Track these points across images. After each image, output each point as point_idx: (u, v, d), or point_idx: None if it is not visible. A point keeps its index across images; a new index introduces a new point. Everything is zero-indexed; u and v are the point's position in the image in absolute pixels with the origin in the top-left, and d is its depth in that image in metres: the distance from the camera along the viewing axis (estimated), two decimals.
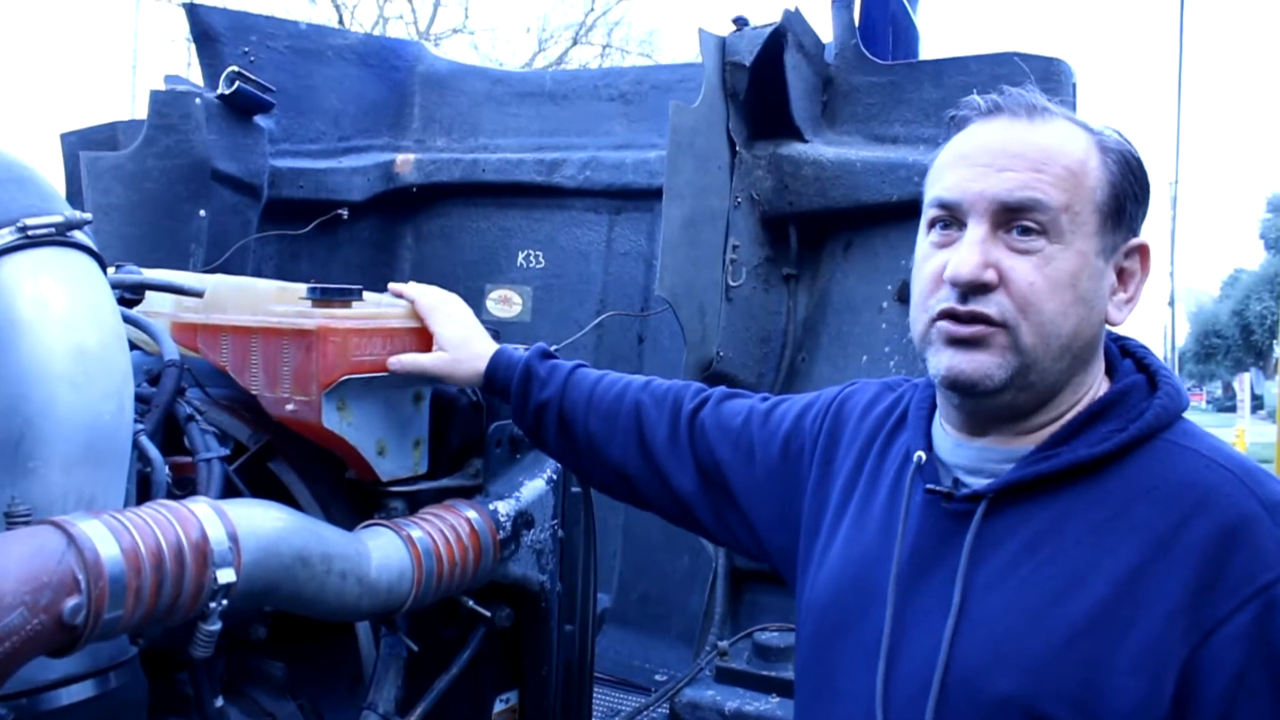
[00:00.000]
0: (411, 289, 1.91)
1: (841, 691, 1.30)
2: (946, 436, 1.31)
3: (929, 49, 4.24)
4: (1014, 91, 1.25)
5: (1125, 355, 1.30)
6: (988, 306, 1.18)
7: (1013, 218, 1.18)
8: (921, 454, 1.32)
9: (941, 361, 1.22)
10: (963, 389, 1.22)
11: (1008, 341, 1.18)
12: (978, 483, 1.25)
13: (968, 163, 1.22)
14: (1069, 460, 1.19)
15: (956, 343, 1.20)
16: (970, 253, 1.19)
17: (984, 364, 1.19)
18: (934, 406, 1.37)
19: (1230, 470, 1.15)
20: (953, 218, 1.23)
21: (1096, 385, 1.26)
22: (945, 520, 1.26)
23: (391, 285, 1.94)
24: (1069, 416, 1.23)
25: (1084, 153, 1.21)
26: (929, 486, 1.29)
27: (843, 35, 3.33)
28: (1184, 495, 1.14)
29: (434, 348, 1.85)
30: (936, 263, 1.23)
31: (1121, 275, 1.25)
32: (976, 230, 1.20)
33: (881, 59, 3.37)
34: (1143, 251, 1.26)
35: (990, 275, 1.18)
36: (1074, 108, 2.93)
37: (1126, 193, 1.22)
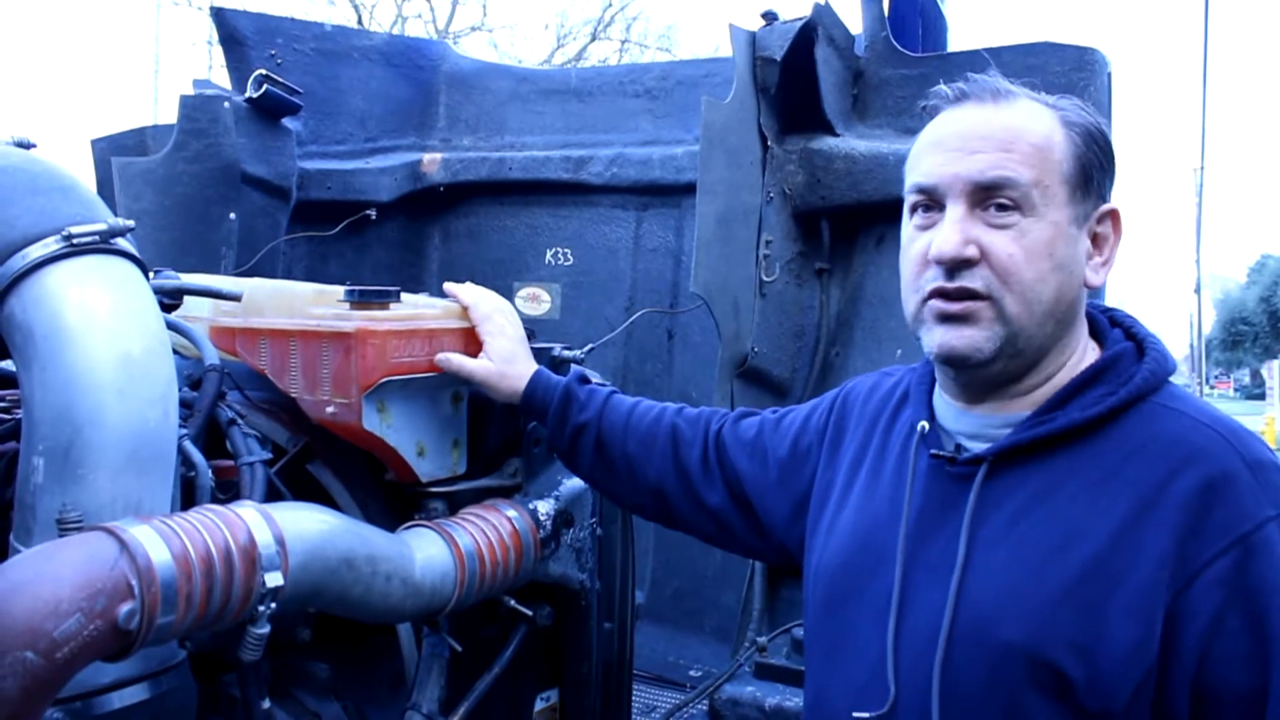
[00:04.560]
0: (467, 294, 1.91)
1: (854, 648, 1.37)
2: (948, 407, 1.40)
3: (957, 41, 4.21)
4: (978, 78, 1.33)
5: (1114, 325, 1.38)
6: (973, 280, 1.26)
7: (987, 196, 1.27)
8: (925, 424, 1.41)
9: (934, 338, 1.31)
10: (956, 363, 1.31)
11: (994, 313, 1.27)
12: (979, 447, 1.33)
13: (941, 148, 1.31)
14: (1064, 424, 1.27)
15: (947, 319, 1.29)
16: (951, 231, 1.27)
17: (974, 338, 1.27)
18: (934, 380, 1.46)
19: (1216, 430, 1.24)
20: (932, 201, 1.31)
21: (1083, 350, 1.34)
22: (949, 483, 1.34)
23: (448, 285, 1.94)
24: (1061, 381, 1.32)
25: (1048, 129, 1.29)
26: (933, 452, 1.37)
27: (873, 28, 3.31)
28: (1172, 453, 1.22)
29: (480, 355, 1.86)
30: (921, 244, 1.32)
31: (1096, 240, 1.33)
32: (955, 210, 1.28)
33: (911, 51, 3.35)
34: (1114, 216, 1.34)
35: (971, 251, 1.26)
36: (1109, 96, 2.91)
37: (1092, 163, 1.30)
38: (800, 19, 3.15)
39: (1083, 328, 1.36)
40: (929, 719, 1.25)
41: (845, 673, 1.38)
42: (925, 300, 1.31)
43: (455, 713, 1.88)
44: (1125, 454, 1.24)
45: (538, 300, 4.18)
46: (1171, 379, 1.31)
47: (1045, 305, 1.27)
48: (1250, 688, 1.15)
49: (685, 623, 3.61)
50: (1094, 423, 1.27)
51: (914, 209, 1.35)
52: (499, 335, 1.87)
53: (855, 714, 1.33)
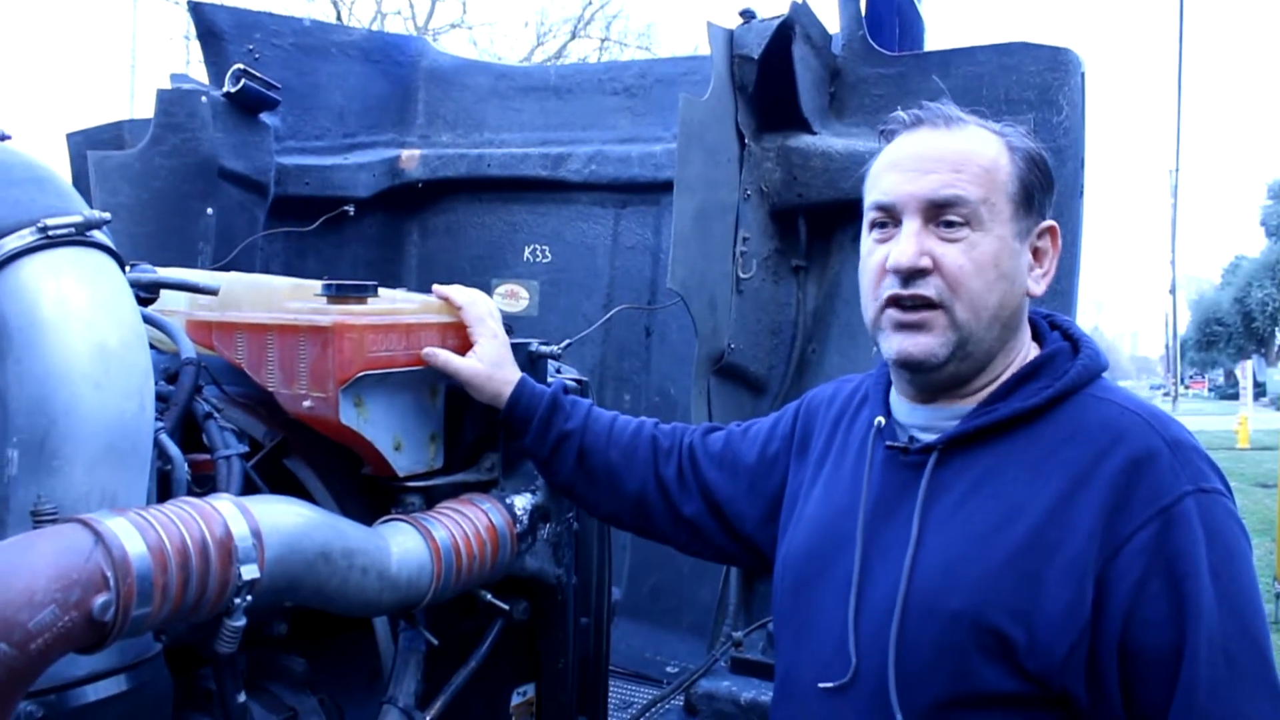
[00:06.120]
0: (461, 295, 1.94)
1: (819, 626, 1.49)
2: (902, 404, 1.54)
3: (933, 40, 4.24)
4: (932, 106, 1.48)
5: (1053, 328, 1.52)
6: (926, 289, 1.40)
7: (939, 212, 1.40)
8: (881, 419, 1.55)
9: (892, 345, 1.43)
10: (912, 366, 1.43)
11: (946, 321, 1.40)
12: (930, 438, 1.46)
13: (898, 169, 1.44)
14: (1005, 414, 1.40)
15: (904, 327, 1.42)
16: (908, 244, 1.40)
17: (928, 344, 1.40)
18: (890, 381, 1.58)
19: (1139, 415, 1.37)
20: (890, 217, 1.44)
21: (1025, 352, 1.48)
22: (903, 471, 1.47)
23: (436, 288, 1.95)
24: (1004, 377, 1.45)
25: (995, 153, 1.43)
26: (888, 443, 1.50)
27: (850, 27, 3.33)
28: (1101, 436, 1.35)
29: (469, 355, 1.88)
30: (879, 255, 1.44)
31: (1036, 254, 1.47)
32: (911, 225, 1.41)
33: (888, 50, 3.37)
34: (1052, 232, 1.49)
35: (925, 261, 1.39)
36: (1082, 97, 2.93)
37: (1034, 184, 1.44)
38: (778, 17, 3.16)
39: (1026, 332, 1.49)
40: (886, 685, 1.36)
41: (811, 649, 1.49)
42: (884, 308, 1.43)
43: (432, 707, 1.89)
44: (1060, 439, 1.37)
45: (516, 297, 4.18)
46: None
47: (991, 311, 1.40)
48: (1168, 646, 1.26)
49: (662, 618, 3.61)
50: (1033, 412, 1.40)
51: (873, 225, 1.47)
52: (490, 339, 1.90)
53: (820, 684, 1.45)
